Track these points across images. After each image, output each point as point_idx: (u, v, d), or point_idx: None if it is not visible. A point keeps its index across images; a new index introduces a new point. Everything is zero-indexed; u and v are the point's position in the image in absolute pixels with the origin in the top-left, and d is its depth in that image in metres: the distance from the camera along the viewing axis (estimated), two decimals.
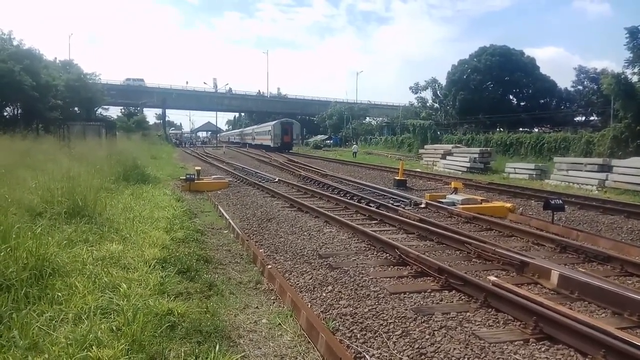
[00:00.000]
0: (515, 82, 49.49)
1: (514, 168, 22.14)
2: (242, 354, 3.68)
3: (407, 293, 5.15)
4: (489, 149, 27.34)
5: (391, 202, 11.92)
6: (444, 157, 27.62)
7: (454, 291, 5.19)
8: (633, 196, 14.34)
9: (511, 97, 51.94)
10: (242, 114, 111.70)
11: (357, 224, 8.60)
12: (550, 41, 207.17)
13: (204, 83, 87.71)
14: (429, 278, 5.64)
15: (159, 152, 30.96)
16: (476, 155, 24.92)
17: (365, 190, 14.53)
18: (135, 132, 43.47)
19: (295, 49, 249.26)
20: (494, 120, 44.73)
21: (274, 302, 4.97)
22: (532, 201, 12.74)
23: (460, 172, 23.60)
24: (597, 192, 15.78)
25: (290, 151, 48.09)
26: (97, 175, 9.71)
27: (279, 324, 4.35)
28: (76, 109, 39.88)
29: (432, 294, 5.15)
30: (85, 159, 12.25)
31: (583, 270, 6.09)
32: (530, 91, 50.70)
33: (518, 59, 49.87)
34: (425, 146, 33.50)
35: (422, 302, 4.90)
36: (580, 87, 46.72)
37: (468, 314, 4.55)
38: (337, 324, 4.32)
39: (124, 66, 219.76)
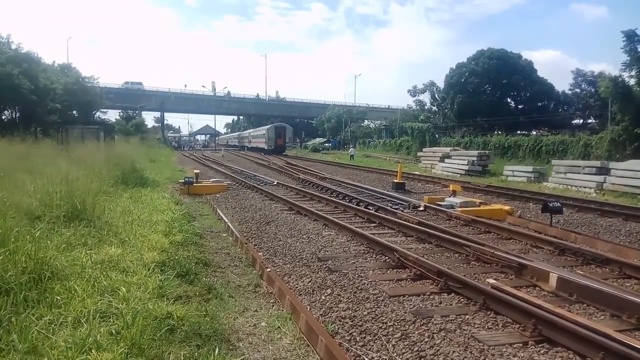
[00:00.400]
0: (513, 85, 49.71)
1: (512, 171, 22.18)
2: (242, 357, 3.68)
3: (406, 296, 5.16)
4: (487, 151, 27.36)
5: (390, 204, 11.93)
6: (442, 160, 27.66)
7: (453, 294, 5.20)
8: (631, 199, 14.38)
9: (509, 100, 52.16)
10: (241, 117, 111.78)
11: (356, 227, 8.60)
12: (548, 44, 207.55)
13: (203, 86, 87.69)
14: (428, 281, 5.65)
15: (157, 156, 30.91)
16: (474, 158, 24.96)
17: (363, 193, 14.55)
18: (133, 136, 43.41)
19: (294, 52, 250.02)
20: (492, 123, 44.89)
21: (273, 305, 4.97)
22: (531, 204, 12.77)
23: (459, 175, 23.62)
24: (595, 194, 15.82)
25: (286, 154, 49.09)
26: (96, 179, 9.69)
27: (278, 327, 4.35)
28: (74, 112, 39.84)
29: (431, 296, 5.16)
30: (83, 163, 12.23)
31: (581, 272, 6.10)
32: (528, 94, 50.94)
33: (516, 62, 50.10)
34: (424, 149, 33.54)
35: (421, 305, 4.91)
36: (578, 90, 46.97)
37: (467, 316, 4.56)
38: (336, 327, 4.32)
39: (123, 69, 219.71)
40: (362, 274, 5.93)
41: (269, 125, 57.67)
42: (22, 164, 11.38)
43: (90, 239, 5.93)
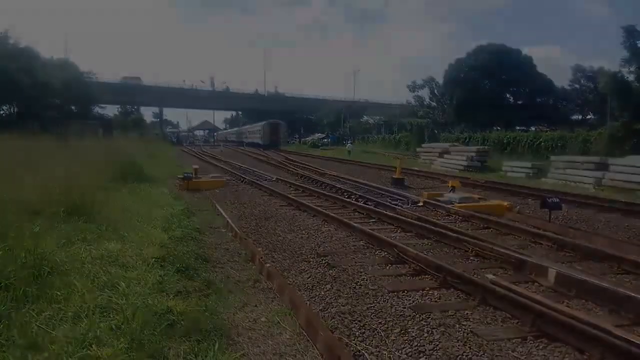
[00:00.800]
0: (512, 80, 49.53)
1: (511, 166, 22.18)
2: (242, 352, 3.69)
3: (406, 291, 5.17)
4: (486, 147, 27.35)
5: (389, 200, 11.94)
6: (441, 155, 27.65)
7: (452, 289, 5.21)
8: (630, 194, 14.40)
9: (508, 95, 51.99)
10: (240, 112, 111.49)
11: (355, 223, 8.60)
12: (548, 40, 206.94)
13: (202, 81, 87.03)
14: (427, 276, 5.66)
15: (156, 151, 30.84)
16: (473, 154, 24.96)
17: (363, 188, 14.54)
18: (132, 131, 43.38)
19: (293, 47, 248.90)
20: (491, 119, 44.80)
21: (272, 301, 4.97)
22: (529, 200, 12.78)
23: (458, 171, 23.61)
24: (593, 190, 15.84)
25: (285, 149, 49.78)
26: (95, 174, 9.68)
27: (278, 322, 4.36)
28: (73, 107, 39.80)
29: (430, 292, 5.17)
30: (82, 158, 12.22)
31: (580, 268, 6.13)
32: (528, 90, 50.75)
33: (515, 57, 49.88)
34: (423, 145, 33.50)
35: (420, 300, 4.92)
36: (577, 86, 46.85)
37: (466, 312, 4.57)
38: (335, 322, 4.33)
39: (121, 64, 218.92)
40: (361, 270, 5.94)
41: (264, 122, 58.97)
42: (21, 160, 11.35)
43: (89, 235, 5.92)
